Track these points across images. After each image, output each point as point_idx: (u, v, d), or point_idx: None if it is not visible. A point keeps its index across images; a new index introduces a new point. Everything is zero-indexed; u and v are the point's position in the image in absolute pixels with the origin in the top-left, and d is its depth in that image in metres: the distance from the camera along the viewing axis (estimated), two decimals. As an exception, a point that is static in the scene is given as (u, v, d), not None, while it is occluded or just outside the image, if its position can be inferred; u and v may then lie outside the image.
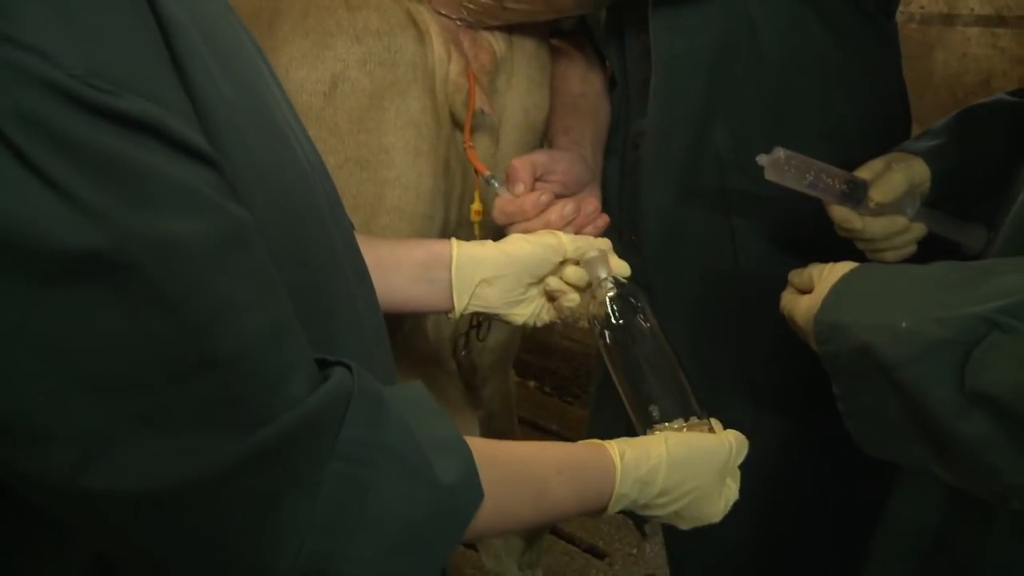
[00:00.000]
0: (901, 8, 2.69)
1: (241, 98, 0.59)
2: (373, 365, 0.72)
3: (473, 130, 1.10)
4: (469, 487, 0.66)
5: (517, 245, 0.96)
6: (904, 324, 0.75)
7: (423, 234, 1.11)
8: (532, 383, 3.00)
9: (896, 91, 1.25)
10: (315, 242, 0.66)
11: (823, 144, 1.12)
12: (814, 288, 0.88)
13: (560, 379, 2.99)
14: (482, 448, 0.71)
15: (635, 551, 2.28)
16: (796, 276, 0.94)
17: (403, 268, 0.94)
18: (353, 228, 0.99)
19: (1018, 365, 0.69)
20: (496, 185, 1.04)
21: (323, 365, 0.60)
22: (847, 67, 1.15)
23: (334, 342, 0.66)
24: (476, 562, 1.88)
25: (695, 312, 1.26)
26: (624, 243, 1.31)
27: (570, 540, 2.31)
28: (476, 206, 1.08)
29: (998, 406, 0.69)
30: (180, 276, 0.49)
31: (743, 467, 0.89)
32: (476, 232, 1.12)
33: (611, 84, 1.31)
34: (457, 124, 1.11)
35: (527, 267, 0.95)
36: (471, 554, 1.89)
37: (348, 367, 0.60)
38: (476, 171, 1.07)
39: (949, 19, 2.35)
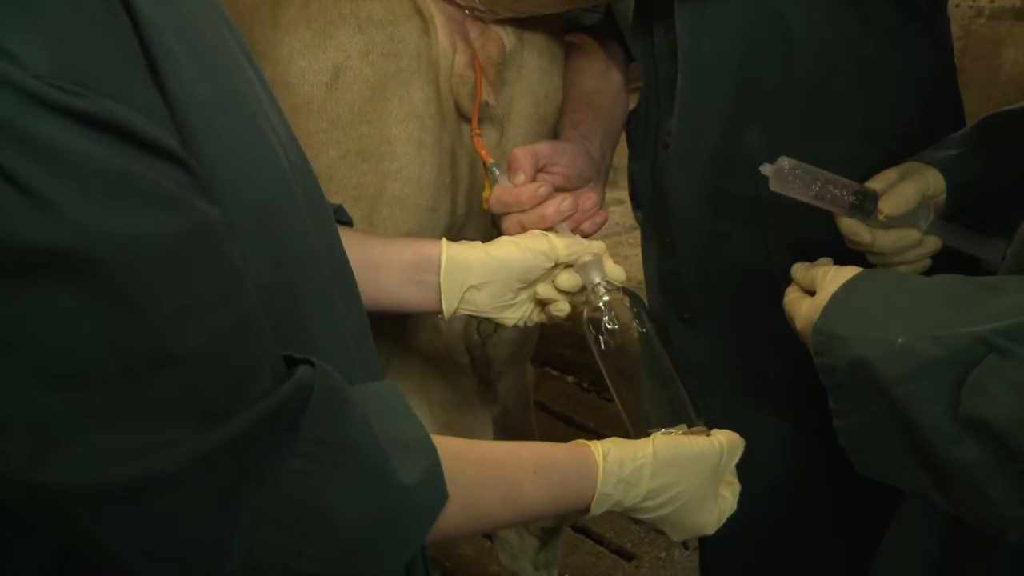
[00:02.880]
0: (969, 2, 2.59)
1: (217, 98, 0.59)
2: (352, 365, 0.72)
3: (480, 121, 1.08)
4: (433, 487, 0.66)
5: (507, 250, 0.95)
6: (900, 340, 0.72)
7: (427, 226, 1.10)
8: (571, 378, 2.97)
9: (944, 93, 1.19)
10: (292, 241, 0.66)
11: (861, 146, 1.09)
12: (817, 289, 0.86)
13: (598, 374, 2.95)
14: (453, 448, 0.71)
15: (664, 555, 2.25)
16: (800, 273, 0.91)
17: (393, 269, 0.93)
18: (350, 224, 0.99)
19: (1014, 392, 0.65)
20: (497, 173, 1.02)
21: (291, 363, 0.60)
22: (887, 66, 1.11)
23: (309, 341, 0.67)
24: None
25: (729, 314, 1.23)
26: (660, 244, 1.29)
27: (599, 540, 2.29)
28: (487, 194, 1.07)
29: (992, 433, 0.66)
30: (141, 274, 0.50)
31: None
32: (492, 219, 1.11)
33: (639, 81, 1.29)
34: (463, 115, 1.10)
35: (516, 273, 0.94)
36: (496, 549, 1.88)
37: (313, 364, 0.60)
38: (481, 159, 1.05)
39: (1021, 14, 2.26)
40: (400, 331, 1.17)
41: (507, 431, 1.56)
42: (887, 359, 0.72)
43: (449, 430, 1.35)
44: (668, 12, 1.13)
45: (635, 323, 0.92)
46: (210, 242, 0.54)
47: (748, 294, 1.19)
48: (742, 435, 0.87)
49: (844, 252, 1.01)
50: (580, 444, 0.80)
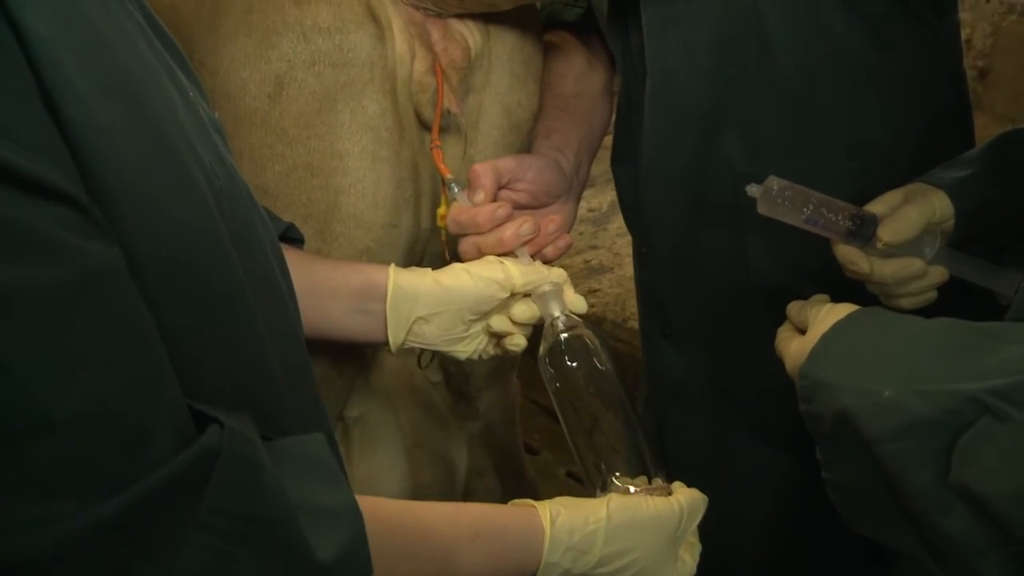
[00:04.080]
0: (1000, -1, 2.49)
1: (122, 122, 0.53)
2: (282, 413, 0.66)
3: (442, 131, 1.02)
4: (354, 562, 0.61)
5: (458, 278, 0.89)
6: (887, 393, 0.65)
7: (386, 243, 1.04)
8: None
9: (949, 105, 1.09)
10: (209, 278, 0.60)
11: (848, 162, 1.00)
12: (808, 328, 0.79)
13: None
14: (382, 513, 0.66)
15: None
16: (794, 311, 0.84)
17: (339, 296, 0.88)
18: (302, 243, 0.93)
19: (1010, 463, 0.58)
20: (456, 190, 0.96)
21: (199, 420, 0.55)
22: (881, 72, 1.01)
23: (231, 385, 0.61)
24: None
25: (708, 331, 1.16)
26: (638, 255, 1.22)
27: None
28: (442, 210, 1.01)
29: (986, 508, 0.59)
30: (11, 331, 0.44)
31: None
32: (443, 238, 1.05)
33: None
34: (425, 125, 1.03)
35: (468, 304, 0.88)
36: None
37: (221, 424, 0.55)
38: (440, 173, 0.99)
39: (1054, 9, 2.16)
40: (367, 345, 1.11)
41: (491, 448, 1.50)
42: (872, 413, 0.66)
43: (419, 450, 1.30)
44: (637, 8, 1.05)
45: (595, 361, 0.85)
46: (100, 290, 0.49)
47: (726, 311, 1.12)
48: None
49: (833, 274, 0.93)
50: (526, 507, 0.74)
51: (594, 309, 2.48)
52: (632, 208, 1.21)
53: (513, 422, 1.53)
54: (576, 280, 2.68)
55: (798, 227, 0.88)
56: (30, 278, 0.45)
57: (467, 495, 1.55)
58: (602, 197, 2.87)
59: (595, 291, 2.59)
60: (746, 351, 1.12)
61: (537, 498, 1.57)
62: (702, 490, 0.83)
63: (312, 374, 0.75)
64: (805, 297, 0.95)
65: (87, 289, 0.47)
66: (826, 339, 0.72)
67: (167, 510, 0.50)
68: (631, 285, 1.37)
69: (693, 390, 1.19)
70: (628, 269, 2.60)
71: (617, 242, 2.78)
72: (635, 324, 2.40)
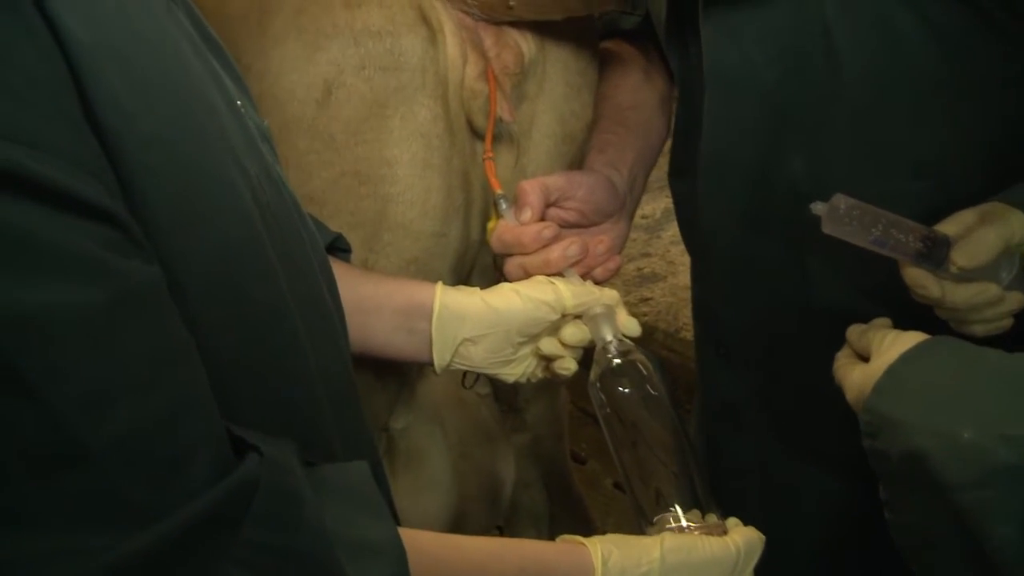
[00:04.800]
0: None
1: (165, 133, 0.52)
2: (326, 433, 0.64)
3: (494, 140, 0.99)
4: None
5: (507, 299, 0.86)
6: (967, 435, 0.61)
7: (434, 253, 1.01)
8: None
9: None
10: (253, 296, 0.58)
11: (915, 181, 0.94)
12: (871, 356, 0.74)
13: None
14: (426, 548, 0.63)
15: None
16: (855, 335, 0.79)
17: (383, 314, 0.85)
18: (349, 252, 0.90)
19: None
20: (504, 207, 0.93)
21: (239, 447, 0.52)
22: (952, 83, 0.94)
23: (273, 408, 0.59)
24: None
25: (764, 351, 1.12)
26: (695, 271, 1.18)
27: None
28: (492, 224, 0.97)
29: None
30: (43, 356, 0.43)
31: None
32: (493, 251, 1.02)
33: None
34: (476, 133, 1.00)
35: (517, 326, 0.85)
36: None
37: (261, 452, 0.53)
38: (490, 186, 0.96)
39: None
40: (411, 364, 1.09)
41: (538, 460, 1.47)
42: (950, 457, 0.61)
43: (465, 462, 1.27)
44: (696, 18, 1.00)
45: (648, 388, 0.81)
46: (137, 312, 0.47)
47: (783, 331, 1.07)
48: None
49: (899, 296, 0.88)
50: (576, 544, 0.71)
51: (646, 318, 2.44)
52: (689, 222, 1.17)
53: (561, 435, 1.50)
54: (628, 288, 2.64)
55: (863, 248, 0.84)
56: (63, 300, 0.43)
57: (512, 509, 1.52)
58: (656, 204, 2.82)
59: (647, 300, 2.54)
60: (803, 374, 1.07)
61: (584, 512, 1.56)
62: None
63: (357, 394, 0.73)
64: (867, 320, 0.91)
65: (123, 310, 0.45)
66: (894, 371, 0.68)
67: (202, 544, 0.48)
68: (685, 294, 1.33)
69: (746, 412, 1.14)
70: (681, 278, 2.55)
71: (671, 250, 2.73)
72: (688, 335, 2.34)
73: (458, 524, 1.30)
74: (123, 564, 0.45)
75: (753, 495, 1.15)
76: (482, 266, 1.10)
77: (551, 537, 1.52)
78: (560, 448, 1.50)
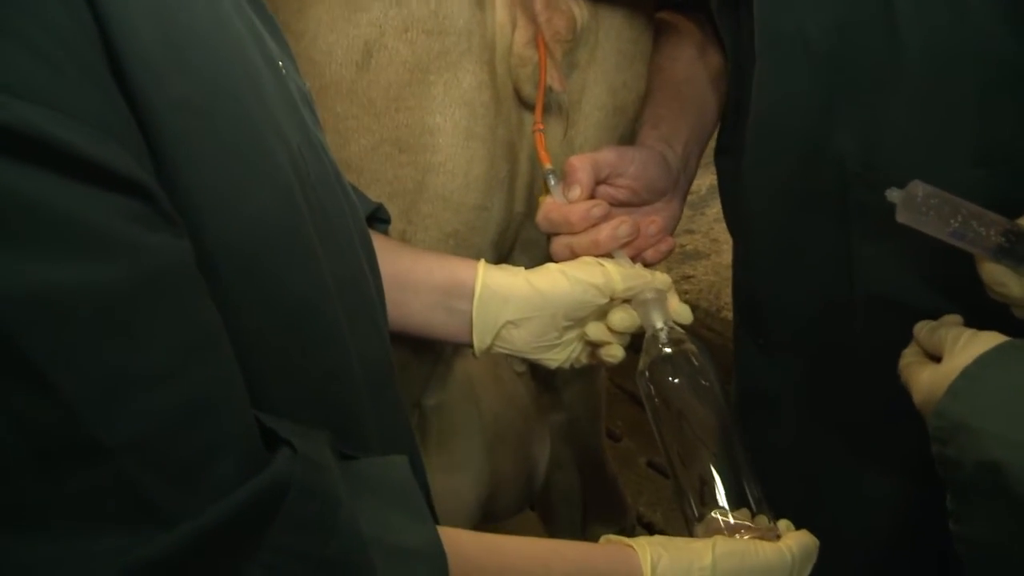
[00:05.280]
0: None
1: (200, 97, 0.48)
2: (364, 420, 0.61)
3: (544, 110, 0.94)
4: None
5: (553, 281, 0.81)
6: None
7: (475, 226, 0.96)
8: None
9: None
10: (291, 277, 0.54)
11: (975, 169, 0.88)
12: (943, 356, 0.69)
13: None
14: (468, 553, 0.59)
15: None
16: (924, 333, 0.74)
17: (421, 291, 0.81)
18: (388, 223, 0.86)
19: None
20: (552, 182, 0.88)
21: (270, 440, 0.49)
22: (1022, 62, 0.87)
23: (309, 395, 0.56)
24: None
25: (804, 342, 1.06)
26: (736, 255, 1.13)
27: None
28: (542, 199, 0.93)
29: None
30: (55, 340, 0.39)
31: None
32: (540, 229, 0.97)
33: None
34: (523, 102, 0.96)
35: (563, 309, 0.81)
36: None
37: (295, 448, 0.49)
38: (540, 160, 0.91)
39: None
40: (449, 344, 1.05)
41: (573, 441, 1.44)
42: None
43: (500, 442, 1.23)
44: None
45: (701, 381, 0.77)
46: (162, 292, 0.43)
47: (827, 322, 1.01)
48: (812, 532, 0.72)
49: (957, 290, 0.83)
50: (623, 547, 0.67)
51: (687, 296, 2.38)
52: (733, 202, 1.11)
53: (598, 415, 1.46)
54: (670, 265, 2.58)
55: (936, 239, 0.78)
56: (79, 278, 0.39)
57: (545, 489, 1.49)
58: (701, 180, 2.74)
59: (689, 277, 2.48)
60: (847, 369, 1.02)
61: (619, 494, 1.52)
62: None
63: (395, 378, 0.69)
64: (917, 313, 0.85)
65: (146, 290, 0.42)
66: (970, 374, 0.63)
67: (228, 548, 0.44)
68: (727, 273, 1.27)
69: (785, 406, 1.09)
70: (725, 256, 2.48)
71: (715, 228, 2.67)
72: (729, 314, 2.29)
73: (490, 504, 1.27)
74: (140, 569, 0.41)
75: (785, 495, 1.10)
76: (524, 240, 1.05)
77: (583, 518, 1.50)
78: (596, 429, 1.46)
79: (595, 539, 1.48)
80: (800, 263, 1.01)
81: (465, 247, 0.97)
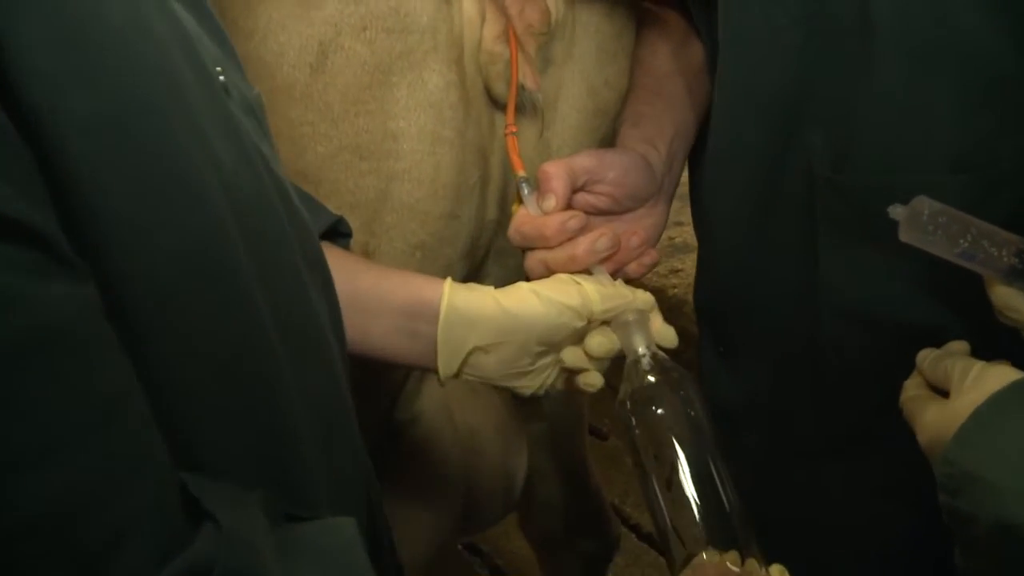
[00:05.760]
0: None
1: (109, 115, 0.41)
2: (310, 474, 0.55)
3: (516, 111, 0.87)
4: None
5: (525, 303, 0.74)
6: None
7: (444, 236, 0.90)
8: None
9: None
10: (220, 318, 0.48)
11: (953, 175, 0.81)
12: (951, 392, 0.62)
13: (685, 364, 2.72)
14: None
15: None
16: (929, 362, 0.67)
17: (382, 313, 0.75)
18: (350, 237, 0.80)
19: None
20: (526, 192, 0.82)
21: (192, 514, 0.42)
22: (1005, 59, 0.80)
23: (243, 450, 0.49)
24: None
25: (769, 353, 1.00)
26: (699, 259, 1.06)
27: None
28: (515, 208, 0.86)
29: None
30: None
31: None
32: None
33: None
34: (495, 102, 0.89)
35: (536, 334, 0.74)
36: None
37: (219, 525, 0.42)
38: (512, 167, 0.85)
39: None
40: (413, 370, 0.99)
41: (554, 451, 1.38)
42: None
43: (476, 457, 1.17)
44: None
45: (687, 411, 0.71)
46: (55, 352, 0.37)
47: (790, 333, 0.95)
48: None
49: (940, 308, 0.77)
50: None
51: (676, 291, 2.32)
52: (698, 202, 1.05)
53: (581, 424, 1.40)
54: (659, 258, 2.52)
55: (925, 254, 0.72)
56: None
57: (527, 501, 1.44)
58: (689, 171, 2.70)
59: (678, 271, 2.42)
60: (810, 384, 0.96)
61: (603, 506, 1.46)
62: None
63: (352, 419, 0.63)
64: (889, 330, 0.79)
65: (34, 351, 0.36)
66: (981, 417, 0.56)
67: None
68: (718, 267, 1.20)
69: (743, 419, 1.02)
70: (714, 249, 2.43)
71: (704, 219, 2.61)
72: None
73: (466, 518, 1.21)
74: None
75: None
76: (498, 250, 0.99)
77: (566, 530, 1.44)
78: (578, 439, 1.40)
79: (579, 553, 1.45)
80: (763, 270, 0.95)
81: (433, 259, 0.91)
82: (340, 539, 0.50)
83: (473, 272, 0.98)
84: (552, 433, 1.35)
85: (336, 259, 0.75)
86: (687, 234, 2.61)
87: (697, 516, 0.70)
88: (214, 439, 0.48)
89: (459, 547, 2.06)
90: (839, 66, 0.84)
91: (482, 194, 0.93)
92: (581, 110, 0.95)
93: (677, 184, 0.96)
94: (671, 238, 2.58)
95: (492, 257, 1.00)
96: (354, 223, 0.85)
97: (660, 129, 0.93)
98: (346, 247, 0.82)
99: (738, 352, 1.02)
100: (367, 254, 0.87)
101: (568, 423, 1.36)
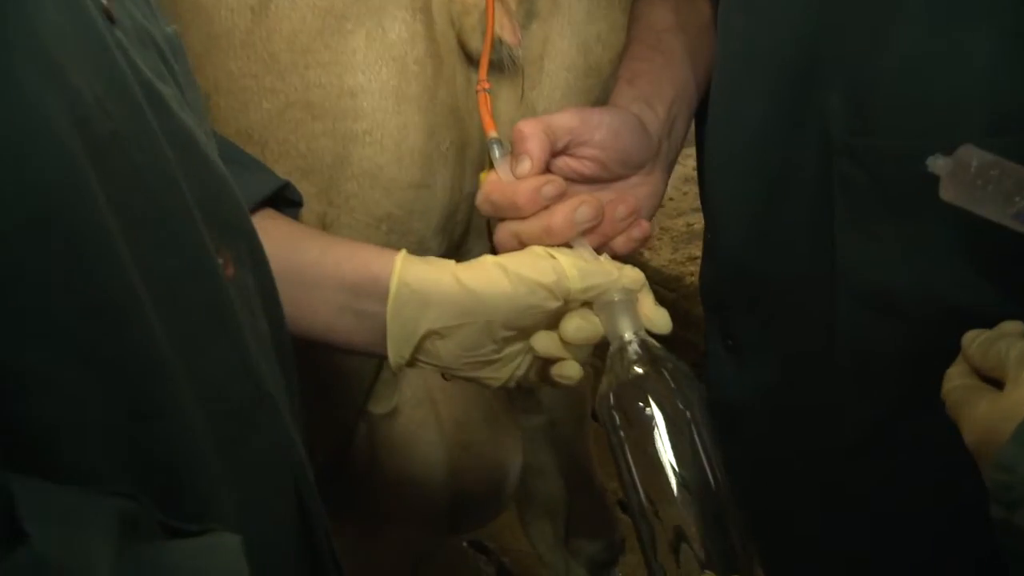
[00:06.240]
0: None
1: None
2: (200, 472, 0.46)
3: (492, 67, 0.78)
4: None
5: (490, 279, 0.64)
6: None
7: (413, 208, 0.81)
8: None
9: None
10: (65, 279, 0.39)
11: (990, 138, 0.70)
12: (1006, 382, 0.52)
13: (699, 355, 2.61)
14: None
15: None
16: (976, 347, 0.56)
17: (326, 288, 0.66)
18: (299, 205, 0.71)
19: None
20: (497, 154, 0.72)
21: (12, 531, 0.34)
22: None
23: (108, 442, 0.41)
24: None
25: (777, 346, 0.88)
26: (705, 243, 0.96)
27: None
28: (484, 176, 0.77)
29: None
30: None
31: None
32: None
33: None
34: (471, 58, 0.79)
35: (501, 316, 0.64)
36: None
37: (31, 546, 0.34)
38: (483, 127, 0.75)
39: None
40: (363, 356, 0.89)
41: (555, 446, 1.29)
42: None
43: (463, 452, 1.08)
44: None
45: (680, 408, 0.61)
46: None
47: (803, 321, 0.83)
48: None
49: (977, 292, 0.67)
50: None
51: (692, 279, 2.21)
52: (700, 177, 0.94)
53: (583, 416, 1.30)
54: (675, 245, 2.40)
55: (990, 221, 0.61)
56: None
57: (526, 499, 1.34)
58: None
59: (694, 259, 2.31)
60: (825, 381, 0.84)
61: (605, 505, 1.37)
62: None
63: (277, 405, 0.53)
64: (915, 320, 0.69)
65: None
66: None
67: None
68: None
69: (749, 418, 0.90)
70: (736, 236, 2.31)
71: (727, 204, 2.50)
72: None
73: (454, 518, 1.12)
74: None
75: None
76: (481, 226, 0.90)
77: (569, 535, 1.35)
78: (581, 433, 1.30)
79: (579, 554, 1.36)
80: (773, 252, 0.83)
81: (402, 233, 0.81)
82: (219, 561, 0.41)
83: (452, 251, 0.88)
84: (552, 427, 1.26)
85: (278, 228, 0.67)
86: (708, 221, 2.51)
87: (691, 533, 0.60)
88: (67, 428, 0.39)
89: (464, 544, 1.98)
90: (862, 17, 0.73)
91: (458, 162, 0.83)
92: (570, 68, 0.85)
93: (678, 151, 0.86)
94: (689, 224, 2.47)
95: (473, 234, 0.90)
96: (308, 191, 0.76)
97: (658, 88, 0.83)
98: (296, 217, 0.73)
99: (743, 344, 0.91)
100: (325, 227, 0.78)
101: (570, 416, 1.26)
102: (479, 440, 1.10)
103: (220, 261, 0.51)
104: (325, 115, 0.74)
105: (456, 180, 0.84)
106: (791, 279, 0.84)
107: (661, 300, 0.70)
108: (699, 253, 2.37)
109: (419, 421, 1.04)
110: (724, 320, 0.90)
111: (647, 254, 2.34)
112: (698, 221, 2.50)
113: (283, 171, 0.74)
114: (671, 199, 2.60)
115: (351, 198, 0.78)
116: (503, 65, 0.80)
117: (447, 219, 0.85)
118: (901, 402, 0.77)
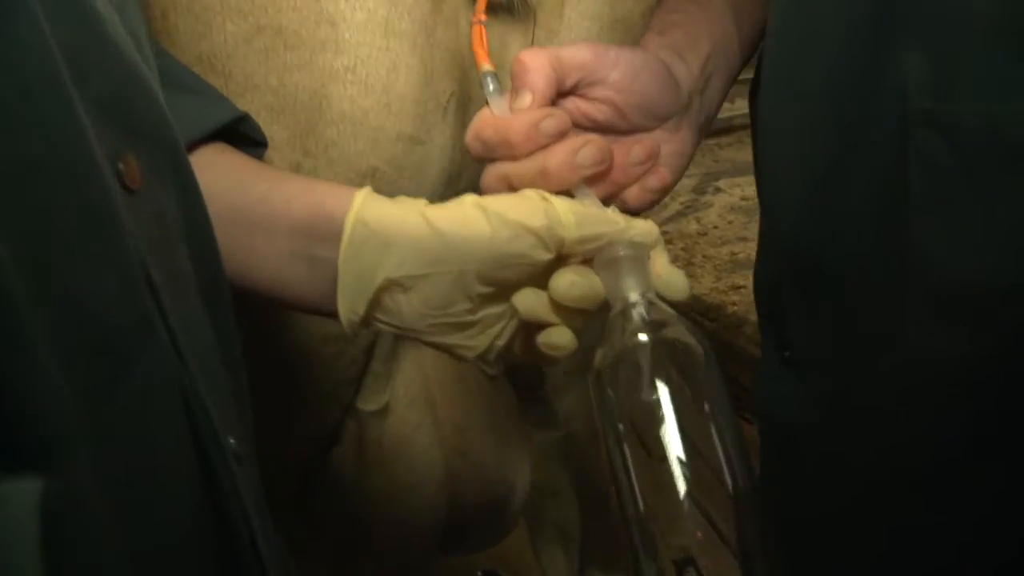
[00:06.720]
0: None
1: None
2: (42, 408, 0.36)
3: (495, 6, 0.68)
4: None
5: (465, 220, 0.53)
6: None
7: (403, 165, 0.71)
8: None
9: None
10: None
11: None
12: None
13: (740, 389, 2.47)
14: None
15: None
16: None
17: (275, 230, 0.55)
18: (262, 146, 0.62)
19: None
20: (491, 87, 0.61)
21: None
22: None
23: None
24: None
25: (838, 359, 0.75)
26: (760, 235, 0.83)
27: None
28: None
29: None
30: None
31: None
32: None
33: None
34: (476, -2, 0.70)
35: (477, 265, 0.52)
36: None
37: None
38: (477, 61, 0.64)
39: None
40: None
41: (569, 463, 1.17)
42: None
43: (463, 460, 0.97)
44: None
45: (695, 388, 0.49)
46: None
47: (869, 329, 0.70)
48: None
49: None
50: None
51: (736, 308, 2.08)
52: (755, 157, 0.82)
53: (602, 433, 1.18)
54: (719, 274, 2.27)
55: None
56: None
57: (538, 522, 1.23)
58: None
59: (739, 288, 2.18)
60: (904, 395, 0.70)
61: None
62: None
63: (180, 354, 0.43)
64: (1007, 328, 0.58)
65: None
66: None
67: None
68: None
69: (811, 439, 0.77)
70: (782, 265, 2.20)
71: (772, 234, 2.38)
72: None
73: (451, 537, 1.01)
74: None
75: (799, 553, 0.80)
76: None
77: (582, 560, 1.23)
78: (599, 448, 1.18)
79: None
80: (833, 241, 0.70)
81: (390, 194, 0.70)
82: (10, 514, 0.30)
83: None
84: (568, 442, 1.14)
85: (223, 161, 0.57)
86: (751, 250, 2.37)
87: (698, 543, 0.48)
88: None
89: (479, 574, 1.86)
90: None
91: (460, 117, 0.73)
92: (595, 18, 0.75)
93: (712, 114, 0.74)
94: (733, 253, 2.34)
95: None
96: (280, 134, 0.66)
97: (693, 42, 0.72)
98: (258, 157, 0.63)
99: (800, 359, 0.78)
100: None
101: (588, 431, 1.14)
102: (480, 447, 0.99)
103: (121, 166, 0.41)
104: (300, 45, 0.64)
105: (458, 140, 0.73)
106: (855, 272, 0.71)
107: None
108: (742, 282, 2.26)
109: (413, 423, 0.93)
110: (779, 327, 0.77)
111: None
112: (742, 250, 2.38)
113: (250, 109, 0.64)
114: (716, 227, 2.49)
115: (330, 147, 0.67)
116: (514, 6, 0.70)
117: (445, 184, 0.75)
118: (983, 426, 0.64)
